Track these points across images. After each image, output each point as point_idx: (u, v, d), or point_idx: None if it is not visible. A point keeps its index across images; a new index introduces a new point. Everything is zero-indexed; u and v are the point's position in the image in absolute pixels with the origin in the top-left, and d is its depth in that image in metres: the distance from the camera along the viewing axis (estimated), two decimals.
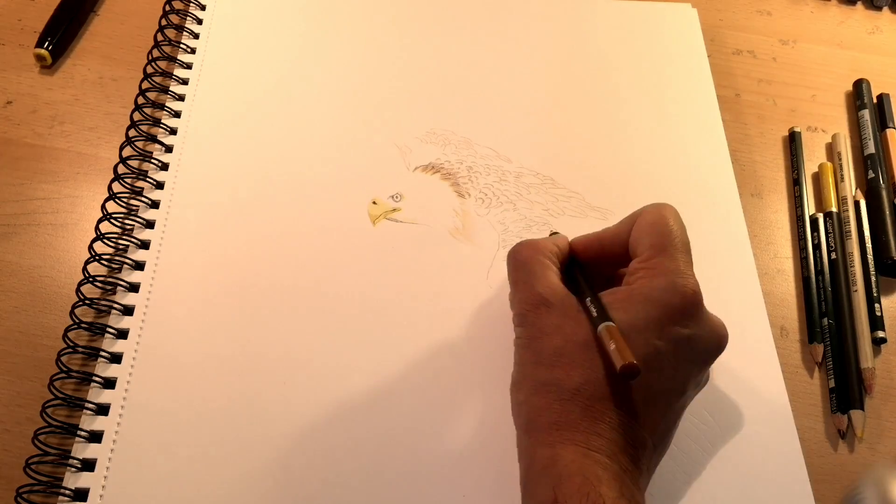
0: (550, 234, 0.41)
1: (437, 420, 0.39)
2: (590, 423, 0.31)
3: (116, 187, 0.44)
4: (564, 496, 0.29)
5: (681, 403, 0.34)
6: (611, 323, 0.32)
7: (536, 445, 0.32)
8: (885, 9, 0.62)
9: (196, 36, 0.52)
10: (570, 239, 0.39)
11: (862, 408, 0.42)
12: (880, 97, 0.56)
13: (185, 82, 0.50)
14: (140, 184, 0.45)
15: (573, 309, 0.34)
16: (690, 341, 0.33)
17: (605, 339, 0.32)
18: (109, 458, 0.36)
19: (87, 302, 0.40)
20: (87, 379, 0.38)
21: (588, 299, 0.34)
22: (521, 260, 0.36)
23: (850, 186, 0.51)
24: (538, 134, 0.50)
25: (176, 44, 0.51)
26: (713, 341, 0.35)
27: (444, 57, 0.54)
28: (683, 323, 0.33)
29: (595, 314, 0.33)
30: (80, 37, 0.53)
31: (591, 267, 0.38)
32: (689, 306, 0.33)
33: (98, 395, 0.38)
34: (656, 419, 0.32)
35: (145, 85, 0.49)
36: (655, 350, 0.32)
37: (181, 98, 0.49)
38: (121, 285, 0.41)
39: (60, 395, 0.37)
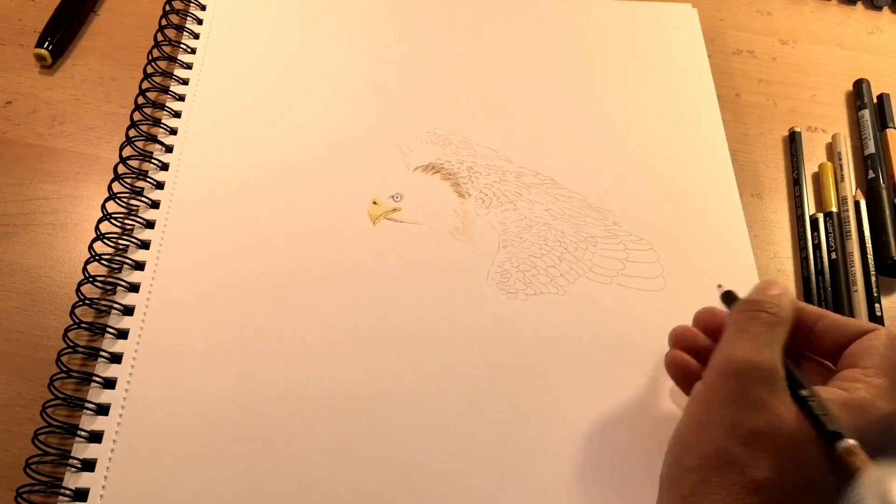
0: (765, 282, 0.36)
1: (434, 419, 0.39)
2: None
3: (116, 187, 0.44)
4: None
5: None
6: (853, 442, 0.28)
7: None
8: (885, 9, 0.62)
9: (196, 36, 0.52)
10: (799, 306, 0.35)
11: None
12: (880, 97, 0.56)
13: (185, 82, 0.50)
14: (140, 184, 0.45)
15: (782, 384, 0.30)
16: None
17: (849, 461, 0.28)
18: (109, 458, 0.36)
19: (87, 302, 0.40)
20: (87, 379, 0.38)
21: (809, 396, 0.30)
22: (772, 315, 0.33)
23: (850, 186, 0.51)
24: (538, 134, 0.50)
25: (176, 44, 0.51)
26: None
27: (444, 57, 0.54)
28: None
29: (838, 425, 0.29)
30: (80, 37, 0.53)
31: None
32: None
33: (98, 395, 0.38)
34: None
35: (145, 85, 0.49)
36: None
37: (181, 98, 0.49)
38: (121, 285, 0.41)
39: (60, 395, 0.37)
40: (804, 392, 0.30)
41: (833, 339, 0.34)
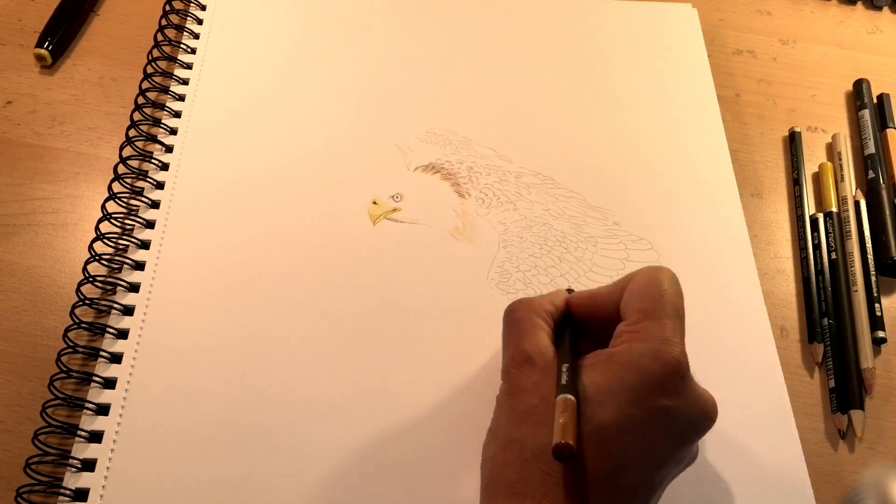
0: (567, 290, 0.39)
1: (434, 418, 0.39)
2: (547, 489, 0.29)
3: (116, 187, 0.44)
4: None
5: (658, 478, 0.32)
6: (570, 396, 0.30)
7: None
8: (885, 9, 0.62)
9: (196, 36, 0.52)
10: (569, 295, 0.38)
11: (862, 408, 0.42)
12: (880, 97, 0.56)
13: (185, 82, 0.50)
14: (140, 184, 0.45)
15: (550, 365, 0.33)
16: (670, 413, 0.31)
17: (557, 410, 0.30)
18: (109, 458, 0.36)
19: (87, 302, 0.40)
20: (87, 379, 0.38)
21: (562, 364, 0.32)
22: (514, 319, 0.36)
23: (850, 186, 0.51)
24: (538, 134, 0.50)
25: (176, 44, 0.51)
26: (697, 417, 0.32)
27: (444, 57, 0.54)
28: (663, 393, 0.31)
29: (563, 381, 0.31)
30: (80, 37, 0.53)
31: (587, 326, 0.37)
32: (669, 375, 0.31)
33: (98, 395, 0.38)
34: (625, 493, 0.30)
35: (145, 85, 0.49)
36: (627, 418, 0.30)
37: (181, 98, 0.49)
38: (121, 285, 0.41)
39: (60, 395, 0.37)
40: (561, 364, 0.33)
41: (611, 306, 0.35)
